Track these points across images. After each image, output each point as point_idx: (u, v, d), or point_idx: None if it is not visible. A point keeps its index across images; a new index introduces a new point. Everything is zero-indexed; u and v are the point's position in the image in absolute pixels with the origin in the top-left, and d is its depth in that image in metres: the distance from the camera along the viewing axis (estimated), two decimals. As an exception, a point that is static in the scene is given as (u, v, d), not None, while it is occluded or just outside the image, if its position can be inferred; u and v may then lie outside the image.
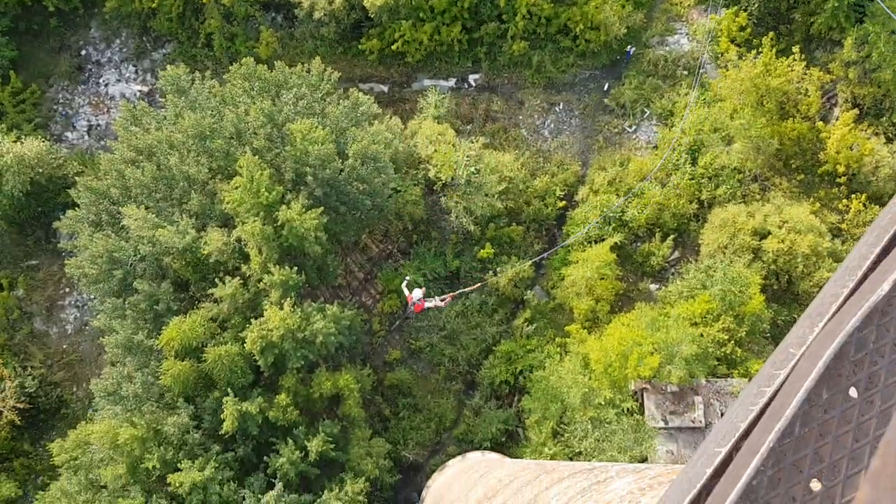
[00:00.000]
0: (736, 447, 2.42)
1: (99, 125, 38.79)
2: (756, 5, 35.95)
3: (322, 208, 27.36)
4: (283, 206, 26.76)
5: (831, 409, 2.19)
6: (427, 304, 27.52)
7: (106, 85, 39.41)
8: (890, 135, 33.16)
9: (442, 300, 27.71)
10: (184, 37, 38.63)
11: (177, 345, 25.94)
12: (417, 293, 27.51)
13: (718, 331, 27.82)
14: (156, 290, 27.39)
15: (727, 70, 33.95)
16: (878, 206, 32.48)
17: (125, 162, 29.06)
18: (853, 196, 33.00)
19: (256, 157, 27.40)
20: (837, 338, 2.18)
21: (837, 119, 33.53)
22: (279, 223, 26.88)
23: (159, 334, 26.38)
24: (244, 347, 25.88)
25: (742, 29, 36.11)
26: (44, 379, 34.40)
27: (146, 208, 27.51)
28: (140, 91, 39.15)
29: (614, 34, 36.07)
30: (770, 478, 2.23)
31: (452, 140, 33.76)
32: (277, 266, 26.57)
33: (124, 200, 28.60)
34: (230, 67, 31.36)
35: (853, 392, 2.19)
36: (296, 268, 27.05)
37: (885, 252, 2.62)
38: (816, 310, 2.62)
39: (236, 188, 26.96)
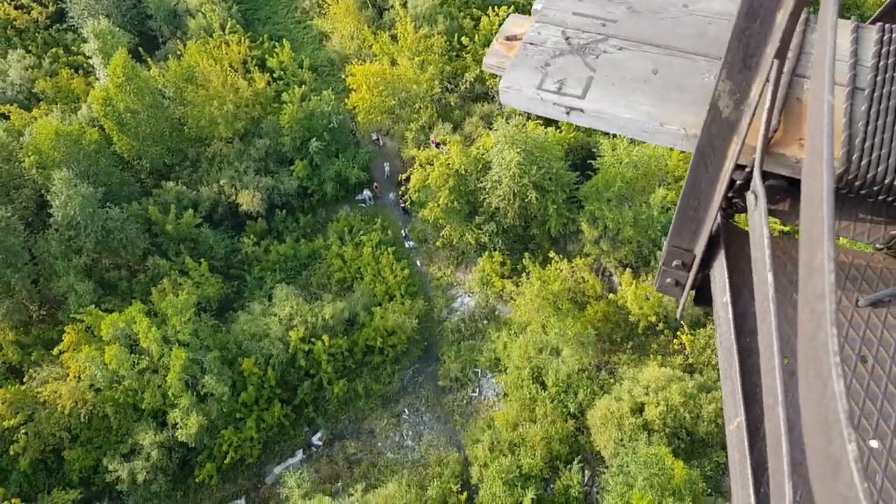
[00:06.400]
0: None
1: None
2: (499, 242, 40.35)
3: None
4: None
5: None
6: None
7: None
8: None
9: None
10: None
11: None
12: None
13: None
14: None
15: (515, 300, 36.84)
16: (702, 329, 35.37)
17: None
18: (678, 333, 35.80)
19: None
20: None
21: (621, 284, 37.20)
22: None
23: None
24: None
25: (503, 264, 40.02)
26: None
27: None
28: None
29: (411, 328, 38.06)
30: None
31: (331, 506, 32.10)
32: None
33: None
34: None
35: None
36: None
37: None
38: None
39: None
